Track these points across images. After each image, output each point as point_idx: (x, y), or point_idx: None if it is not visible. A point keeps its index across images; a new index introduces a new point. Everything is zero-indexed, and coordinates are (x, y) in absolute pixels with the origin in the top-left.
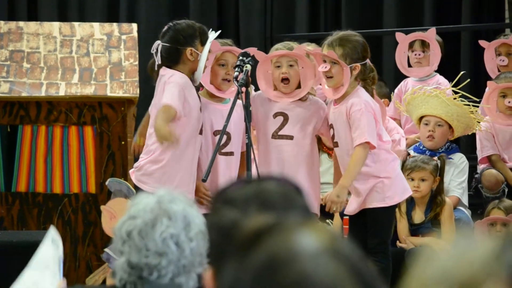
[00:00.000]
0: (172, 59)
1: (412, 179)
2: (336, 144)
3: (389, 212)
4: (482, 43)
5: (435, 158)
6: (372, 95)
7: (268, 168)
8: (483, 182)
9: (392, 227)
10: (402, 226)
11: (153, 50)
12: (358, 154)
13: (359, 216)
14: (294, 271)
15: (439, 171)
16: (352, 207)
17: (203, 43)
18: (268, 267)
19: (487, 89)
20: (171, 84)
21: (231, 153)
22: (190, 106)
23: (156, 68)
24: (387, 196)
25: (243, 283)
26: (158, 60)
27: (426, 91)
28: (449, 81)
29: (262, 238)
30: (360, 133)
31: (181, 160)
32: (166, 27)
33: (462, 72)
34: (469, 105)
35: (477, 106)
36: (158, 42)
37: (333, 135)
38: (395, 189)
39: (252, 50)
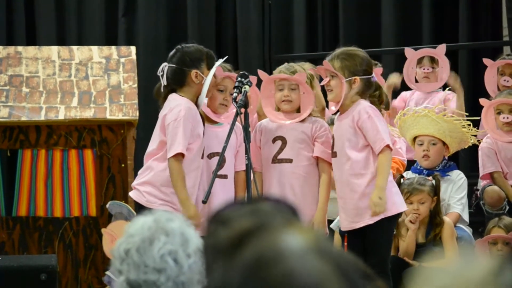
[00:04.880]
0: (178, 81)
1: (411, 203)
2: (334, 154)
3: (387, 227)
4: (486, 61)
5: (430, 178)
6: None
7: (271, 192)
8: (485, 198)
9: (391, 245)
10: (405, 246)
11: (159, 73)
12: (383, 159)
13: (357, 235)
14: (281, 269)
15: (435, 191)
16: (346, 224)
17: (209, 67)
18: (256, 266)
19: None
20: (176, 123)
21: (225, 176)
22: (196, 132)
23: (162, 90)
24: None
25: (232, 282)
26: (164, 81)
27: (415, 111)
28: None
29: (248, 239)
30: (378, 139)
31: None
32: (174, 50)
33: (448, 88)
34: (459, 119)
35: (468, 120)
36: (165, 64)
37: (333, 146)
38: (390, 200)
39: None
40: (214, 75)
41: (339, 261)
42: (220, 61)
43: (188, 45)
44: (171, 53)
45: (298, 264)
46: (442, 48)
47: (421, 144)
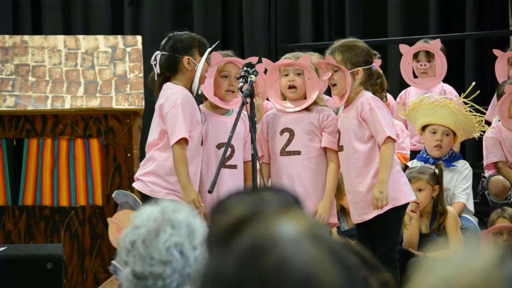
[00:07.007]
0: (171, 68)
1: None
2: (341, 148)
3: (396, 217)
4: (496, 52)
5: (432, 167)
6: None
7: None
8: (490, 188)
9: (399, 236)
10: (409, 236)
11: (152, 61)
12: (385, 152)
13: (366, 226)
14: (276, 256)
15: (438, 180)
16: (356, 217)
17: (201, 54)
18: (251, 253)
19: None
20: (174, 110)
21: (234, 166)
22: (195, 119)
23: (156, 78)
24: (391, 197)
25: (227, 269)
26: (157, 70)
27: (435, 100)
28: (454, 89)
29: (244, 226)
30: (380, 131)
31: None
32: (166, 38)
33: (473, 83)
34: (476, 115)
35: (483, 115)
36: (158, 52)
37: (339, 139)
38: (399, 190)
39: (257, 60)
40: (208, 62)
41: (335, 249)
42: (212, 46)
43: (180, 33)
44: (164, 41)
45: (293, 251)
46: (437, 43)
47: (433, 133)
